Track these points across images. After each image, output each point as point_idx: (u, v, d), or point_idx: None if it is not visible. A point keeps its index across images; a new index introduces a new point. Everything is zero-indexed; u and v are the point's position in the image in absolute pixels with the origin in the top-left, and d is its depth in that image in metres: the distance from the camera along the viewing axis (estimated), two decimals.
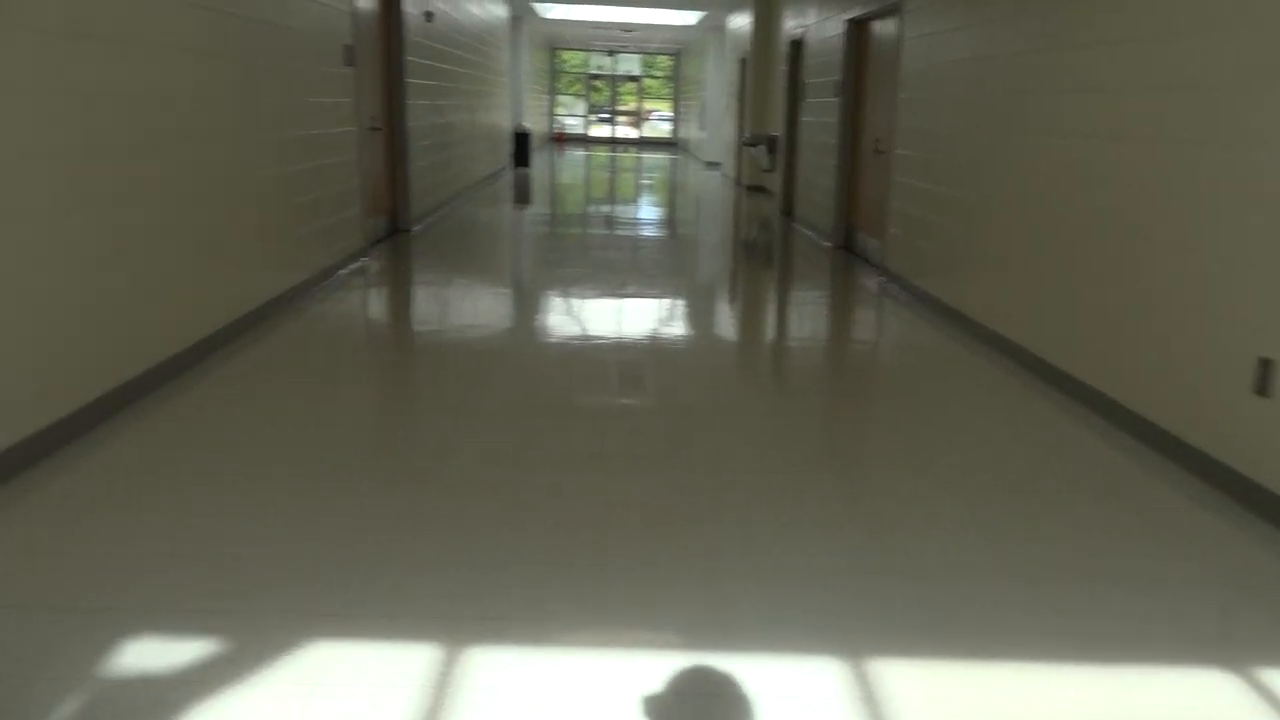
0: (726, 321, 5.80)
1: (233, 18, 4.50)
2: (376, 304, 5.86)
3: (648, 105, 30.18)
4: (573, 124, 29.24)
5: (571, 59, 29.20)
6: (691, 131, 24.21)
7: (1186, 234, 3.51)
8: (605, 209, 11.75)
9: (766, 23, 13.00)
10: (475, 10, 12.13)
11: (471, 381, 4.20)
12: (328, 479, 3.05)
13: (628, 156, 22.84)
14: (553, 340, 4.99)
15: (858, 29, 8.26)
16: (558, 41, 26.74)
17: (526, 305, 5.89)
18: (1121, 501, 3.14)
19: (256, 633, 2.14)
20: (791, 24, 11.00)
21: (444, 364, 4.50)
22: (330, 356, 4.52)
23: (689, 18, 17.73)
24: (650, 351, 4.85)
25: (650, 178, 16.95)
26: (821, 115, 9.29)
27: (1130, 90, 3.90)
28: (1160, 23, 3.72)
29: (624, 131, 29.72)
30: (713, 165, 19.10)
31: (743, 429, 3.72)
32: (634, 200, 13.02)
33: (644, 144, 28.63)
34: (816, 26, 9.62)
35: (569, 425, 3.67)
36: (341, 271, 6.40)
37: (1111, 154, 4.03)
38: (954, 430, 3.79)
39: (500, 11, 15.17)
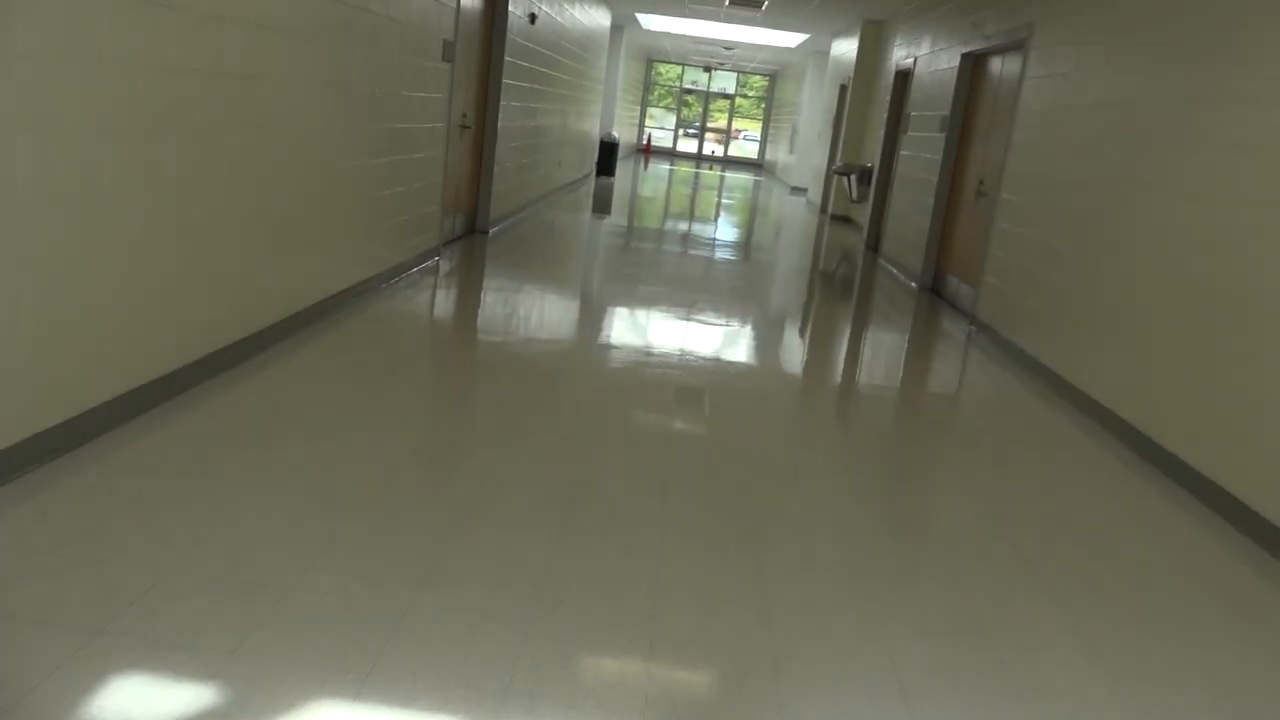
0: (802, 357, 5.49)
1: (331, 1, 4.36)
2: (443, 306, 5.68)
3: (737, 124, 29.91)
4: (660, 136, 29.10)
5: (667, 72, 29.07)
6: (779, 155, 23.87)
7: None
8: (684, 226, 11.50)
9: (873, 50, 12.64)
10: (579, 16, 12.01)
11: (531, 400, 3.97)
12: (363, 502, 2.83)
13: (712, 174, 22.59)
14: (617, 362, 4.75)
15: (974, 64, 7.89)
16: (656, 54, 26.63)
17: (594, 320, 5.66)
18: (1246, 620, 2.76)
19: (261, 685, 1.91)
20: (901, 54, 10.64)
21: (504, 377, 4.28)
22: (387, 359, 4.33)
23: (793, 39, 17.42)
24: (717, 384, 4.57)
25: (733, 198, 16.66)
26: (922, 150, 8.92)
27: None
28: None
29: (711, 149, 29.48)
30: (798, 191, 18.74)
31: (819, 490, 3.42)
32: (714, 219, 12.75)
33: (730, 163, 28.35)
34: (928, 58, 9.26)
35: (627, 465, 3.41)
36: (413, 269, 6.25)
37: (1261, 223, 3.64)
38: (1052, 516, 3.44)
39: (603, 20, 15.05)
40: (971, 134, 7.79)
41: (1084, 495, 3.67)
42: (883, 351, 5.93)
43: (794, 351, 5.62)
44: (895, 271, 9.17)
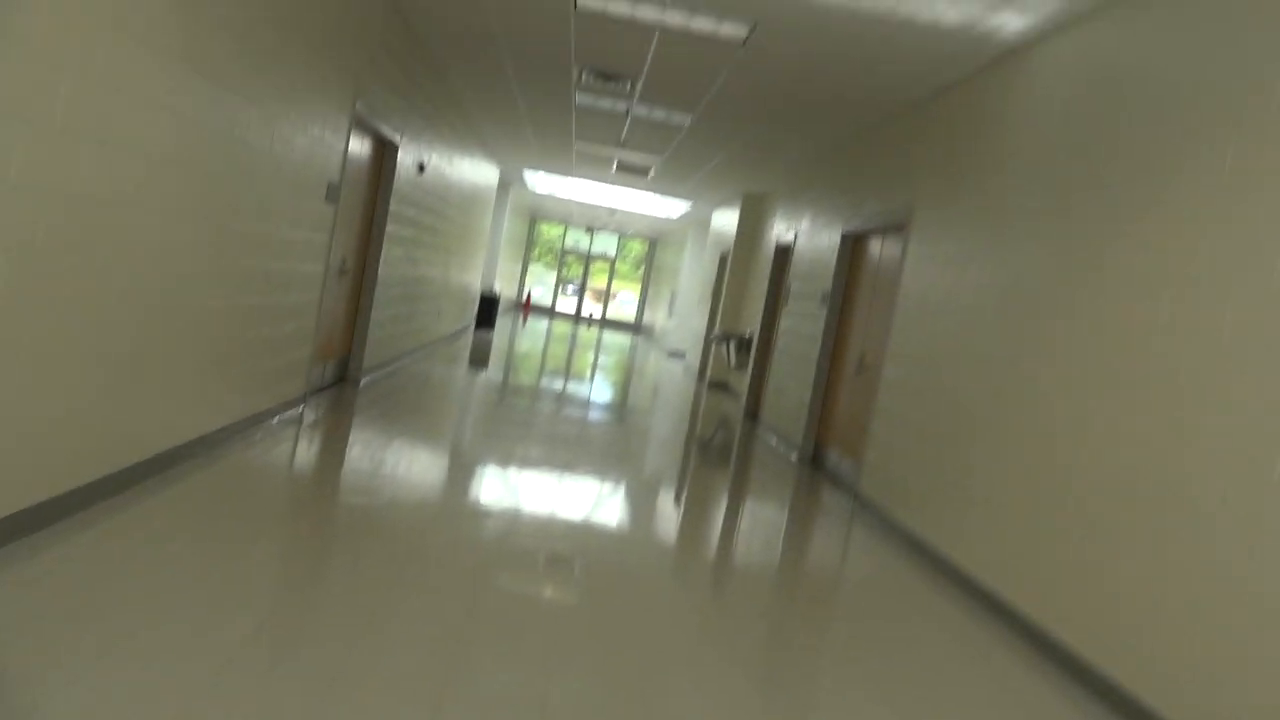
0: (679, 529, 5.24)
1: (211, 131, 4.08)
2: (304, 460, 5.22)
3: (617, 286, 30.51)
4: (540, 293, 29.35)
5: (550, 230, 29.62)
6: (658, 318, 24.30)
7: (1215, 510, 3.09)
8: (560, 384, 11.32)
9: (754, 222, 13.10)
10: (468, 170, 12.06)
11: (392, 574, 3.56)
12: (180, 713, 2.36)
13: (590, 333, 22.74)
14: (488, 531, 4.38)
15: (854, 242, 8.15)
16: (540, 213, 27.16)
17: (465, 483, 5.29)
18: None
19: None
20: (782, 228, 11.01)
21: (364, 546, 3.86)
22: (235, 521, 3.86)
23: (676, 208, 18.01)
24: (595, 558, 4.25)
25: (611, 358, 16.68)
26: (803, 323, 9.08)
27: (1156, 337, 3.58)
28: (1173, 270, 3.43)
29: (590, 308, 29.87)
30: (676, 355, 18.96)
31: (707, 688, 3.10)
32: (591, 379, 12.64)
33: (608, 323, 28.73)
34: (808, 234, 9.57)
35: (499, 654, 3.03)
36: (275, 419, 5.78)
37: (1137, 406, 3.66)
38: (941, 710, 3.20)
39: (492, 176, 15.22)
40: (853, 309, 7.96)
41: (970, 685, 3.46)
42: (763, 525, 5.73)
43: (671, 523, 5.36)
44: (774, 441, 9.14)
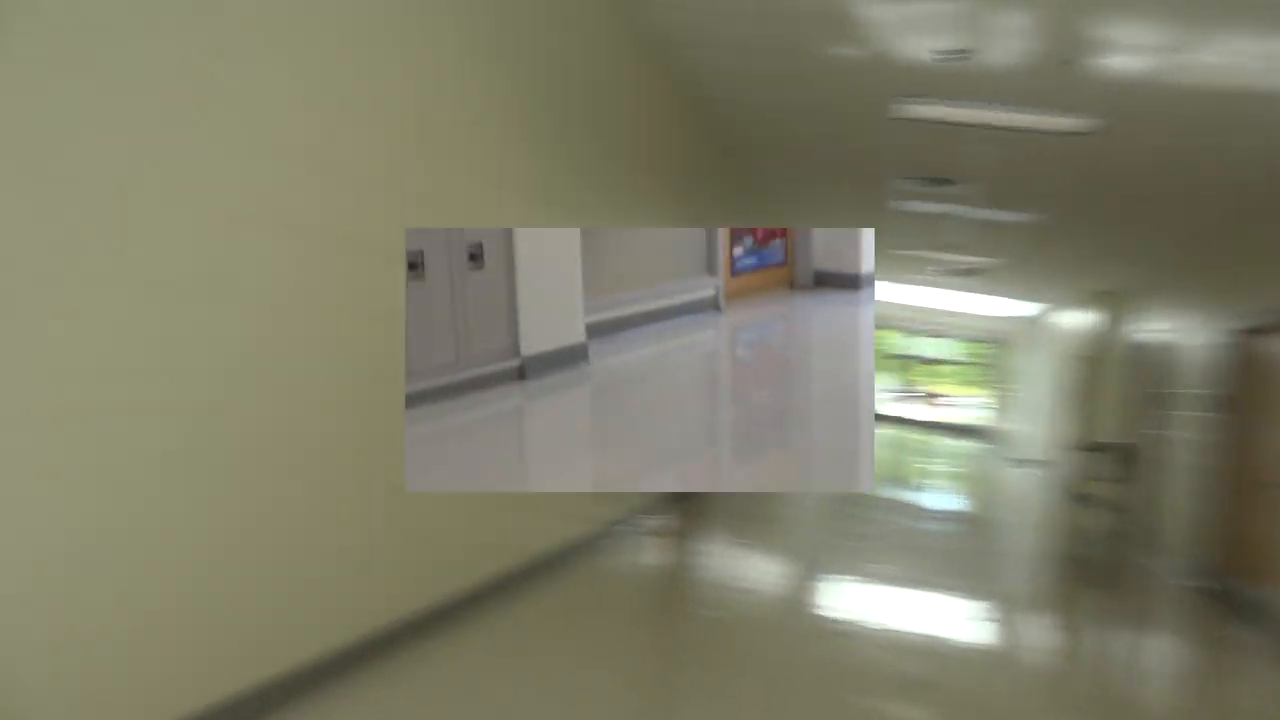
0: (1050, 655, 4.65)
1: None
2: (657, 569, 5.30)
3: (959, 390, 29.14)
4: (880, 398, 28.71)
5: (887, 336, 29.05)
6: (1005, 423, 22.78)
7: None
8: (908, 494, 10.79)
9: (1110, 322, 12.00)
10: None
11: (751, 692, 3.44)
12: None
13: (933, 439, 21.75)
14: (840, 647, 4.14)
15: (1247, 339, 7.13)
16: (881, 321, 26.80)
17: (811, 596, 5.09)
18: None
19: None
20: (1152, 326, 9.95)
21: (718, 658, 3.78)
22: (591, 631, 3.96)
23: (1024, 309, 17.03)
24: (951, 681, 3.86)
25: (958, 466, 15.77)
26: (1188, 430, 8.02)
27: None
28: None
29: (930, 413, 28.66)
30: (1027, 462, 17.57)
31: None
32: (938, 487, 11.95)
33: (950, 429, 27.35)
34: (1186, 332, 8.54)
35: None
36: (632, 527, 5.96)
37: None
38: None
39: None
40: (1257, 416, 6.88)
41: None
42: (1155, 661, 4.96)
43: (1042, 649, 4.79)
44: (1161, 562, 8.04)
